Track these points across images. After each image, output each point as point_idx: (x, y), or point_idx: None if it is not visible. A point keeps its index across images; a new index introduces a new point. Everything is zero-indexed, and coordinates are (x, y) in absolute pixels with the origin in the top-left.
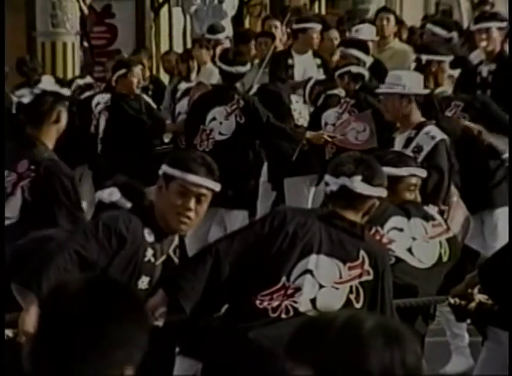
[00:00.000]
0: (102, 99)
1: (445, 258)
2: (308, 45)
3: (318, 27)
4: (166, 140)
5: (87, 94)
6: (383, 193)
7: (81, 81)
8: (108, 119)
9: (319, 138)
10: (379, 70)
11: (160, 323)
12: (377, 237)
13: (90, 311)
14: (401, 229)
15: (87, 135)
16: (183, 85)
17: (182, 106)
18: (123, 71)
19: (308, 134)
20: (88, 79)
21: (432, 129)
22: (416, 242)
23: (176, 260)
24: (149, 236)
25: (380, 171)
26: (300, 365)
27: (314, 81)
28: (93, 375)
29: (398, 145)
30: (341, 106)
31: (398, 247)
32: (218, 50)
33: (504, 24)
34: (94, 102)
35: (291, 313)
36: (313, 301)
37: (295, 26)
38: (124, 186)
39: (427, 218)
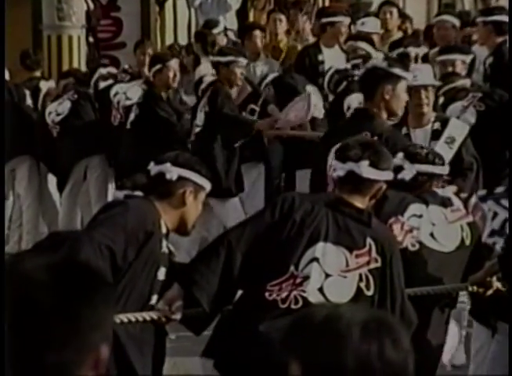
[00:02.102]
0: (120, 89)
1: (467, 242)
2: (336, 39)
3: (346, 20)
4: None
5: (104, 84)
6: (389, 176)
7: (104, 70)
8: (138, 115)
9: (271, 124)
10: None
11: (177, 317)
12: (398, 225)
13: (60, 297)
14: (420, 216)
15: (106, 126)
16: (208, 78)
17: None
18: (158, 66)
19: (259, 123)
20: (111, 68)
21: (458, 120)
22: (436, 227)
23: (173, 250)
24: (163, 228)
25: (386, 154)
26: (291, 361)
27: (334, 70)
28: (70, 358)
29: (422, 139)
30: None
31: (420, 233)
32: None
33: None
34: (112, 91)
35: (300, 303)
36: (321, 290)
37: (324, 19)
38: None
39: (445, 204)
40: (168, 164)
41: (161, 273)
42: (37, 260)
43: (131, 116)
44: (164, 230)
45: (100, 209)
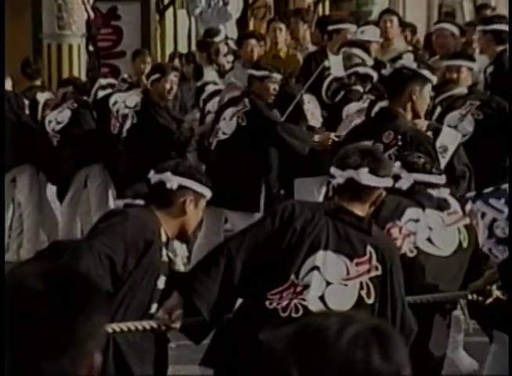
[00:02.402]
0: (119, 98)
1: (464, 244)
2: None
3: (352, 27)
4: None
5: (103, 93)
6: (389, 183)
7: (104, 81)
8: (136, 123)
9: (327, 138)
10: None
11: (177, 325)
12: (396, 229)
13: (56, 305)
14: (417, 220)
15: (105, 134)
16: (211, 87)
17: (213, 105)
18: (157, 76)
19: (316, 137)
20: (111, 79)
21: (450, 129)
22: (433, 231)
23: (173, 258)
24: (163, 236)
25: (385, 161)
26: (292, 370)
27: (332, 78)
28: (67, 367)
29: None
30: (364, 102)
31: (417, 238)
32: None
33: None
34: (111, 101)
35: (301, 312)
36: (321, 298)
37: (330, 27)
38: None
39: (442, 207)
40: (169, 173)
41: (161, 282)
42: (32, 268)
43: (128, 123)
44: (164, 239)
45: (100, 218)
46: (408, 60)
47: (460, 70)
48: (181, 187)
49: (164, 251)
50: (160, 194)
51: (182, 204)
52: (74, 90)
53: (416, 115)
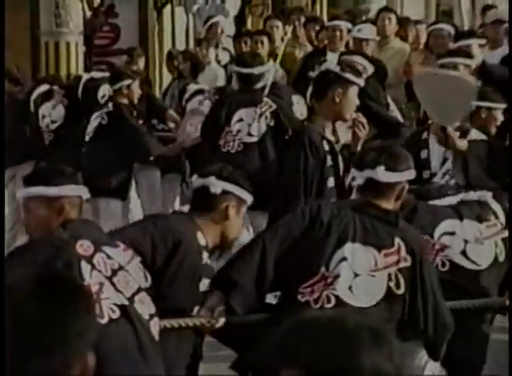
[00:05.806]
0: (108, 91)
1: (501, 258)
2: (339, 43)
3: (347, 25)
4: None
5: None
6: (410, 175)
7: (87, 76)
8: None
9: None
10: (379, 69)
11: (220, 322)
12: (428, 245)
13: (45, 308)
14: (452, 233)
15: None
16: (192, 87)
17: (192, 105)
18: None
19: None
20: (95, 73)
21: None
22: (469, 245)
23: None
24: (202, 240)
25: (402, 155)
26: (286, 367)
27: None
28: (57, 365)
29: (437, 147)
30: None
31: (451, 251)
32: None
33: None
34: (100, 93)
35: (333, 302)
36: (350, 289)
37: (327, 24)
38: None
39: (481, 219)
40: (213, 178)
41: (203, 285)
42: (19, 271)
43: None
44: (202, 242)
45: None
46: (331, 63)
47: (457, 68)
48: (224, 192)
49: (205, 254)
50: (203, 199)
51: (225, 210)
52: (51, 87)
53: (339, 117)
